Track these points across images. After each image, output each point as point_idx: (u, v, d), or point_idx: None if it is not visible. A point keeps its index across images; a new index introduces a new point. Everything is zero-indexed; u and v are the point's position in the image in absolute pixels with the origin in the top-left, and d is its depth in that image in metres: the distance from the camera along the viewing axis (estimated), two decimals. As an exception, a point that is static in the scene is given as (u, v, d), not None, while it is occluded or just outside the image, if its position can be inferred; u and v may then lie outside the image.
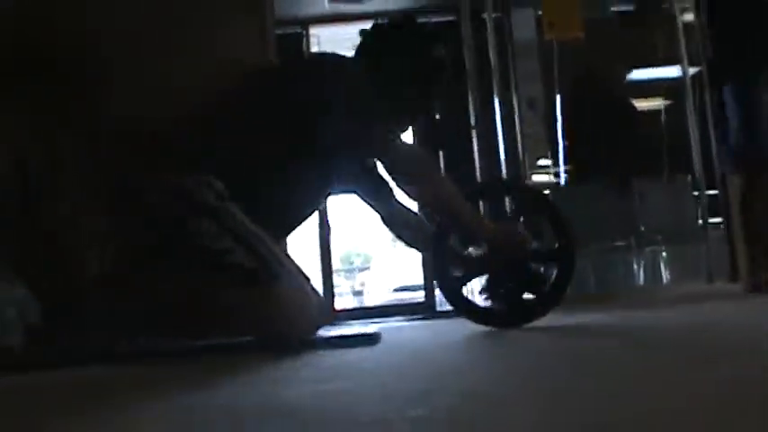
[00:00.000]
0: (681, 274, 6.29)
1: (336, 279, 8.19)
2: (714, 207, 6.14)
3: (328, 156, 2.65)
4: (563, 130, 7.31)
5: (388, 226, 2.96)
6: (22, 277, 2.66)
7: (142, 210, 2.49)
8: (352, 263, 23.29)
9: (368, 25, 2.93)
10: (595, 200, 6.07)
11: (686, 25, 6.33)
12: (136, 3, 3.48)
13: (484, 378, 1.50)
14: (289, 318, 2.45)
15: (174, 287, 2.42)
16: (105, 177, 2.74)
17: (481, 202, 3.57)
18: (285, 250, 2.64)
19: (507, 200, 3.85)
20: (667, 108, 7.68)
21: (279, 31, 3.99)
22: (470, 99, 6.00)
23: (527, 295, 2.87)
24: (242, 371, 1.90)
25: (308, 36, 7.69)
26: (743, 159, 3.98)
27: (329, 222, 7.40)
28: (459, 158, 6.96)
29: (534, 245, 2.94)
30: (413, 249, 3.11)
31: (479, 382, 1.41)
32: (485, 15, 5.98)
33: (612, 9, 6.98)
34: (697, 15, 5.87)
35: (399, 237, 2.99)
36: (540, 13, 6.62)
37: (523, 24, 7.91)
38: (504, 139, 6.01)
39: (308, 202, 2.84)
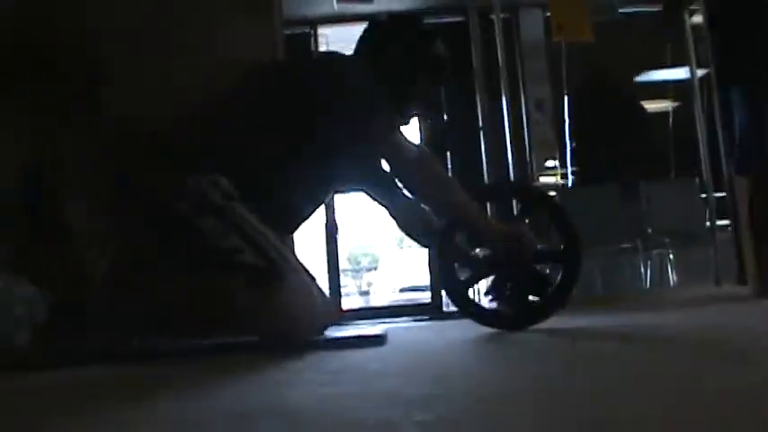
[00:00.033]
0: (688, 276, 6.28)
1: (343, 279, 8.19)
2: (722, 209, 6.12)
3: (329, 154, 2.66)
4: (570, 132, 7.30)
5: (396, 221, 2.95)
6: (31, 275, 2.66)
7: (149, 209, 2.49)
8: (359, 263, 23.29)
9: (374, 25, 2.95)
10: (602, 201, 6.06)
11: (695, 27, 6.30)
12: (142, 3, 3.48)
13: (489, 381, 1.49)
14: (294, 318, 2.45)
15: (180, 287, 2.42)
16: (111, 177, 2.74)
17: (488, 204, 3.59)
18: (292, 249, 2.64)
19: (514, 201, 3.84)
20: (675, 110, 7.67)
21: (287, 32, 3.99)
22: (478, 100, 5.99)
23: (532, 297, 2.87)
24: (246, 372, 1.90)
25: (316, 36, 7.70)
26: (749, 161, 3.97)
27: (337, 222, 7.40)
28: (467, 160, 6.96)
29: (540, 246, 2.95)
30: (421, 245, 3.10)
31: (485, 385, 1.41)
32: (493, 16, 5.97)
33: (621, 11, 6.95)
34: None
35: (408, 233, 2.98)
36: (548, 14, 6.61)
37: (531, 25, 7.91)
38: (511, 140, 5.99)
39: (309, 199, 2.83)
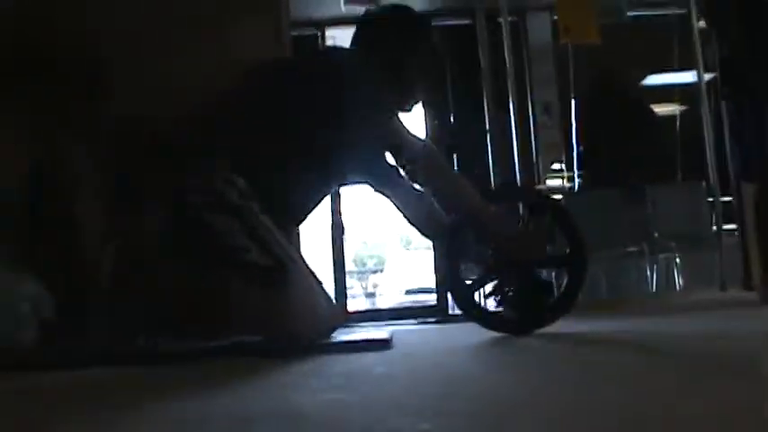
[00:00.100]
0: (694, 280, 6.26)
1: (349, 281, 8.19)
2: (728, 213, 6.11)
3: (332, 146, 2.67)
4: (577, 135, 7.29)
5: (402, 214, 2.94)
6: (36, 273, 2.67)
7: (163, 206, 2.50)
8: (365, 264, 23.26)
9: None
10: (609, 205, 6.05)
11: (702, 31, 6.29)
12: (149, 3, 3.49)
13: (493, 388, 1.49)
14: (297, 318, 2.45)
15: (181, 287, 2.43)
16: (111, 177, 2.74)
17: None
18: (298, 248, 2.64)
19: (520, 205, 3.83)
20: (682, 113, 7.65)
21: (294, 33, 3.99)
22: (485, 103, 5.99)
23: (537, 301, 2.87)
24: (250, 374, 1.90)
25: (323, 37, 7.70)
26: (755, 168, 3.96)
27: (343, 224, 7.40)
28: (474, 162, 6.96)
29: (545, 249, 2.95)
30: (428, 239, 3.09)
31: (489, 393, 1.41)
32: (500, 19, 5.96)
33: (628, 14, 6.94)
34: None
35: (414, 225, 2.97)
36: (555, 17, 6.60)
37: (539, 28, 7.91)
38: (518, 143, 5.99)
39: (313, 192, 2.85)
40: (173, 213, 2.47)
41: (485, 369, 1.98)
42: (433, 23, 3.17)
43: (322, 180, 2.82)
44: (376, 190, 2.83)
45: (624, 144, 6.85)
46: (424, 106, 7.54)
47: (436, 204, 2.89)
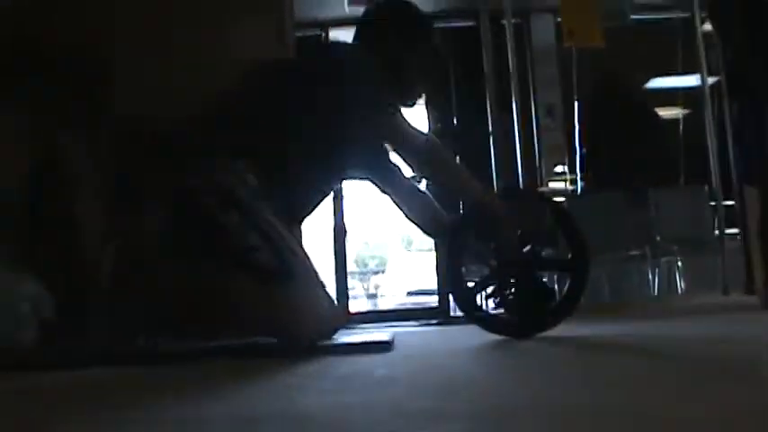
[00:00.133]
0: (696, 284, 6.26)
1: (351, 281, 8.19)
2: (731, 217, 6.11)
3: (333, 141, 2.68)
4: (580, 137, 7.29)
5: (402, 210, 2.94)
6: (36, 273, 2.66)
7: (164, 207, 2.50)
8: (366, 265, 23.26)
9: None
10: (611, 208, 6.05)
11: (706, 34, 6.29)
12: (151, 2, 3.49)
13: (494, 392, 1.49)
14: (299, 319, 2.46)
15: (187, 286, 2.43)
16: (111, 177, 2.74)
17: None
18: (302, 246, 2.64)
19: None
20: (686, 117, 7.65)
21: (298, 34, 4.00)
22: (488, 105, 5.99)
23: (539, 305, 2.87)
24: (250, 376, 1.90)
25: (327, 38, 7.70)
26: (756, 170, 3.96)
27: (345, 225, 7.40)
28: (476, 164, 6.96)
29: (547, 252, 2.95)
30: (429, 236, 3.10)
31: (489, 398, 1.40)
32: (504, 21, 5.97)
33: (632, 17, 6.95)
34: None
35: (414, 222, 2.97)
36: (559, 19, 6.60)
37: (543, 30, 7.91)
38: (521, 145, 5.99)
39: (315, 188, 2.86)
40: (183, 212, 2.48)
41: (486, 372, 1.98)
42: (437, 25, 3.19)
43: (323, 179, 2.83)
44: (374, 185, 2.84)
45: (627, 147, 6.85)
46: (426, 108, 7.55)
47: (437, 204, 2.90)
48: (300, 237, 3.15)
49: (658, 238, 6.01)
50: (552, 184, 7.39)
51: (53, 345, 2.55)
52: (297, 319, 2.45)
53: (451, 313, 6.65)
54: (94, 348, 2.48)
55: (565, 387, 1.50)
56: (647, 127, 7.32)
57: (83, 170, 3.02)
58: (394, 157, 2.87)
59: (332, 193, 3.09)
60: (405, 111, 2.95)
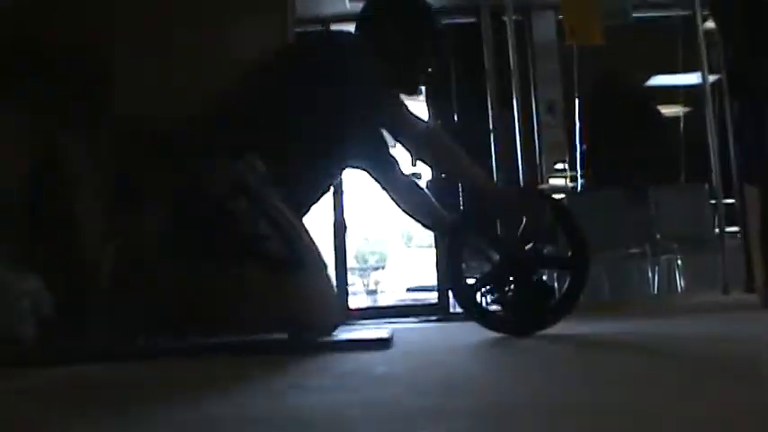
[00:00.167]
0: (696, 283, 6.26)
1: (351, 277, 8.19)
2: (731, 216, 6.11)
3: (335, 139, 2.69)
4: (581, 135, 7.28)
5: (397, 204, 2.96)
6: (36, 273, 2.67)
7: (180, 194, 2.51)
8: (366, 261, 23.24)
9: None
10: (612, 205, 6.05)
11: (707, 32, 6.28)
12: (150, 2, 3.49)
13: (493, 391, 1.49)
14: (313, 309, 2.47)
15: (182, 285, 2.43)
16: (111, 177, 2.75)
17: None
18: (308, 233, 2.66)
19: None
20: (686, 115, 7.65)
21: (299, 30, 3.99)
22: (489, 101, 5.99)
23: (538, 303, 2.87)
24: (249, 375, 1.90)
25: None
26: (756, 169, 3.97)
27: (345, 221, 7.40)
28: (477, 161, 6.95)
29: (547, 250, 2.95)
30: (426, 228, 3.11)
31: (489, 396, 1.41)
32: (505, 17, 5.96)
33: (634, 15, 6.94)
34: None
35: (409, 214, 2.98)
36: (560, 16, 6.60)
37: (544, 27, 7.90)
38: (521, 142, 5.99)
39: (314, 188, 2.87)
40: (189, 201, 2.49)
41: (486, 369, 1.98)
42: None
43: (324, 172, 2.84)
44: (373, 178, 2.85)
45: (628, 145, 6.85)
46: (427, 104, 7.54)
47: (434, 201, 2.91)
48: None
49: (658, 236, 6.01)
50: (552, 181, 7.38)
51: (52, 342, 2.56)
52: (307, 308, 2.47)
53: (451, 310, 6.66)
54: (94, 346, 2.48)
55: (565, 385, 1.50)
56: (648, 125, 7.32)
57: (83, 170, 3.02)
58: (394, 152, 2.88)
59: (332, 189, 3.10)
60: (408, 99, 2.96)
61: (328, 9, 7.48)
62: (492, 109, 6.00)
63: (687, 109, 7.62)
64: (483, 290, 2.90)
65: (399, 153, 2.91)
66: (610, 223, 5.74)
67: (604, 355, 2.20)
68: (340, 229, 7.39)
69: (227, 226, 2.44)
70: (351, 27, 3.05)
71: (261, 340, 2.58)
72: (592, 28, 5.89)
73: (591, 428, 1.02)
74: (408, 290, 15.92)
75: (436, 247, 7.40)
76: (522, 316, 2.84)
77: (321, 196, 2.93)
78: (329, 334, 2.62)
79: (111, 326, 2.51)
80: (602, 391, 1.37)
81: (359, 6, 3.04)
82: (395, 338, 2.73)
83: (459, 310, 3.24)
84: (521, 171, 6.02)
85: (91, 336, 2.54)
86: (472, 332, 2.89)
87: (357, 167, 2.87)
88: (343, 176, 3.14)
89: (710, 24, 6.17)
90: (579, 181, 7.30)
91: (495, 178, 5.91)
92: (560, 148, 7.59)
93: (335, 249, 7.38)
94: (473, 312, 2.89)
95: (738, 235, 5.99)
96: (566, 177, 7.34)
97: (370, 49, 2.83)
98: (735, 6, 3.90)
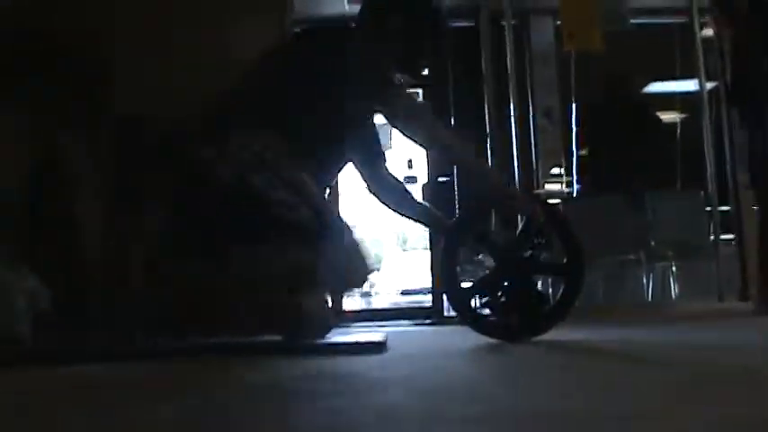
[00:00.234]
0: (691, 289, 6.25)
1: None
2: (726, 223, 6.11)
3: (333, 138, 2.71)
4: (578, 140, 7.28)
5: (374, 194, 2.99)
6: (37, 271, 2.67)
7: (165, 207, 2.52)
8: (362, 263, 23.16)
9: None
10: (607, 211, 6.04)
11: (705, 39, 6.29)
12: (149, 2, 3.49)
13: (491, 395, 1.49)
14: (342, 276, 2.58)
15: (190, 286, 2.44)
16: (111, 177, 2.75)
17: (492, 213, 3.58)
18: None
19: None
20: (683, 122, 7.65)
21: (297, 31, 4.00)
22: (486, 105, 5.99)
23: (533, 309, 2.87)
24: (244, 378, 1.90)
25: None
26: (756, 169, 3.99)
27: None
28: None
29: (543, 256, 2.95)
30: (400, 216, 3.13)
31: (487, 400, 1.41)
32: (504, 22, 5.97)
33: (632, 22, 6.94)
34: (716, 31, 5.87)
35: (386, 204, 3.02)
36: (558, 22, 6.60)
37: (542, 32, 7.89)
38: (518, 147, 6.00)
39: (334, 158, 2.90)
40: (208, 182, 2.51)
41: (481, 375, 1.98)
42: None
43: (337, 151, 2.86)
44: (356, 167, 2.89)
45: (626, 150, 6.84)
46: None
47: (412, 196, 2.95)
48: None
49: (653, 243, 6.01)
50: (548, 186, 7.37)
51: (52, 341, 2.56)
52: (337, 276, 2.54)
53: (445, 313, 6.65)
54: (94, 346, 2.48)
55: (561, 392, 1.51)
56: (645, 131, 7.31)
57: (83, 170, 3.03)
58: (386, 152, 2.92)
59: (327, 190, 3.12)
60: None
61: (327, 9, 7.46)
62: (489, 113, 6.00)
63: (684, 116, 7.62)
64: (478, 295, 2.91)
65: (392, 156, 2.95)
66: (605, 229, 5.73)
67: (599, 363, 2.20)
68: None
69: (253, 199, 2.47)
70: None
71: (257, 342, 2.58)
72: (590, 34, 5.90)
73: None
74: (403, 293, 15.91)
75: (431, 249, 7.39)
76: (516, 321, 2.84)
77: (336, 175, 2.96)
78: (324, 336, 2.63)
79: (111, 326, 2.52)
80: (598, 398, 1.37)
81: (357, 8, 3.04)
82: (389, 342, 2.73)
83: (453, 313, 3.24)
84: (517, 175, 6.02)
85: (91, 336, 2.54)
86: (466, 337, 2.89)
87: (349, 159, 2.91)
88: (338, 177, 3.16)
89: (708, 32, 6.19)
90: (575, 186, 7.30)
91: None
92: (556, 154, 7.59)
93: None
94: (467, 317, 2.89)
95: (733, 242, 5.99)
96: (561, 183, 7.34)
97: (373, 32, 2.84)
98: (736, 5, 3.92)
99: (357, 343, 2.69)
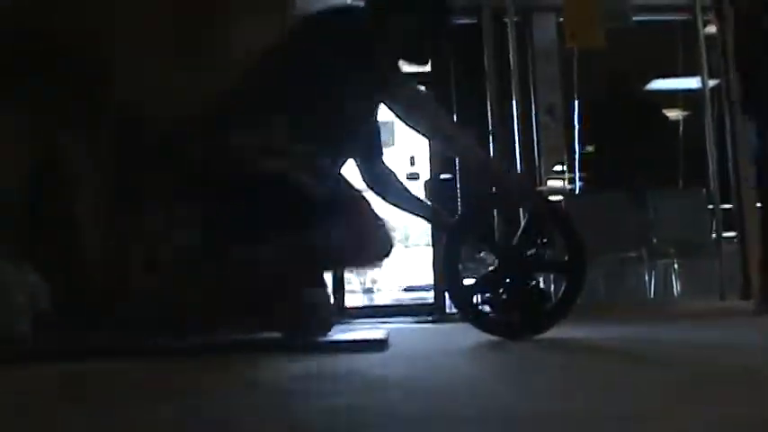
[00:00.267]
0: (692, 287, 6.24)
1: (347, 275, 8.15)
2: (728, 221, 6.10)
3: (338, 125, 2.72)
4: (580, 137, 7.27)
5: (370, 187, 3.01)
6: (37, 270, 2.67)
7: (165, 207, 2.52)
8: (363, 259, 23.13)
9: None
10: (609, 208, 6.03)
11: (708, 37, 6.28)
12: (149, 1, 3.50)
13: (493, 395, 1.49)
14: (367, 245, 2.62)
15: (191, 286, 2.45)
16: (123, 176, 2.75)
17: (495, 210, 3.58)
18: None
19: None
20: (685, 119, 7.63)
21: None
22: (489, 102, 5.99)
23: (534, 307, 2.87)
24: (244, 377, 1.90)
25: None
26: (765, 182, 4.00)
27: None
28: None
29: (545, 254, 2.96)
30: (398, 209, 3.14)
31: (488, 400, 1.41)
32: (506, 19, 5.96)
33: (635, 19, 6.93)
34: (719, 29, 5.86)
35: (382, 197, 3.03)
36: (561, 19, 6.59)
37: (544, 29, 7.88)
38: (520, 143, 5.99)
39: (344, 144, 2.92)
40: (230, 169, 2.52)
41: (482, 374, 1.98)
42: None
43: (347, 138, 2.88)
44: (356, 164, 2.90)
45: (629, 147, 6.83)
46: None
47: (410, 190, 3.00)
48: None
49: (655, 241, 6.00)
50: (551, 183, 7.37)
51: (51, 340, 2.56)
52: (359, 250, 2.59)
53: (447, 310, 6.65)
54: (94, 345, 2.49)
55: (562, 391, 1.51)
56: (649, 128, 7.29)
57: (83, 170, 3.03)
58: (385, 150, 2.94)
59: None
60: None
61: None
62: (491, 110, 5.99)
63: (686, 113, 7.61)
64: (480, 292, 2.91)
65: (394, 153, 2.96)
66: (607, 226, 5.72)
67: (600, 361, 2.20)
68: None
69: (273, 183, 2.48)
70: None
71: (258, 339, 2.59)
72: (592, 31, 5.89)
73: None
74: (405, 289, 15.90)
75: (433, 246, 7.39)
76: (518, 319, 2.84)
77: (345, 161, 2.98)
78: (325, 333, 2.63)
79: (111, 325, 2.52)
80: (598, 398, 1.37)
81: (360, 4, 3.03)
82: (390, 339, 2.73)
83: (455, 310, 3.24)
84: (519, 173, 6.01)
85: (91, 336, 2.55)
86: (468, 334, 2.89)
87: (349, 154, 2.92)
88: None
89: (711, 29, 6.18)
90: (577, 183, 7.29)
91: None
92: (559, 151, 7.58)
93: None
94: (469, 314, 2.89)
95: (735, 240, 5.98)
96: (564, 179, 7.33)
97: (378, 18, 2.83)
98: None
99: (358, 341, 2.69)
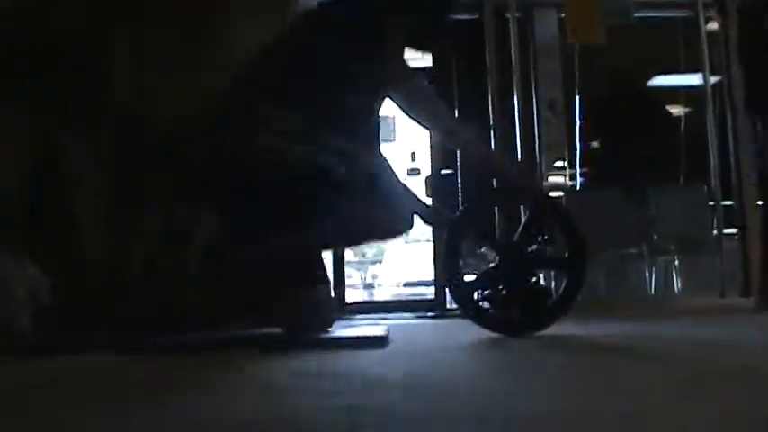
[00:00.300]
0: (693, 284, 6.24)
1: (348, 270, 8.16)
2: (729, 218, 6.09)
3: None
4: (581, 133, 7.27)
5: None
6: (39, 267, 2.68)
7: (165, 207, 2.52)
8: (364, 255, 23.16)
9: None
10: (610, 205, 6.03)
11: (709, 33, 6.27)
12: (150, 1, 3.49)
13: (493, 394, 1.49)
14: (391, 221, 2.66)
15: (191, 285, 2.45)
16: (123, 176, 2.75)
17: (495, 207, 3.57)
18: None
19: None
20: (687, 116, 7.63)
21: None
22: (490, 98, 5.98)
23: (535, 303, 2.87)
24: (244, 374, 1.90)
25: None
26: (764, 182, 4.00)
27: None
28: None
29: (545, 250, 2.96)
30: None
31: (489, 399, 1.41)
32: (508, 15, 5.95)
33: (636, 15, 6.92)
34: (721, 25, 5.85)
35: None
36: (563, 14, 6.59)
37: (546, 25, 7.87)
38: (521, 139, 5.99)
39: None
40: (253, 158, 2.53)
41: (483, 373, 1.98)
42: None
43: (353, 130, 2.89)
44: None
45: (630, 144, 6.82)
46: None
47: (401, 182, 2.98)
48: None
49: (656, 237, 6.00)
50: (552, 179, 7.36)
51: (51, 339, 2.56)
52: (381, 223, 2.63)
53: (448, 306, 6.64)
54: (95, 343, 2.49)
55: (563, 391, 1.51)
56: (650, 124, 7.29)
57: (83, 170, 3.03)
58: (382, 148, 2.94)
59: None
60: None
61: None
62: (493, 106, 5.99)
63: (687, 109, 7.60)
64: (480, 288, 2.91)
65: (395, 148, 2.96)
66: (608, 223, 5.72)
67: (600, 358, 2.20)
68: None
69: (290, 167, 2.49)
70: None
71: (259, 336, 2.59)
72: (594, 27, 5.89)
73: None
74: (405, 284, 15.90)
75: (434, 242, 7.38)
76: (518, 316, 2.84)
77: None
78: (326, 329, 2.63)
79: (111, 325, 2.53)
80: (599, 395, 1.37)
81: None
82: (391, 336, 2.73)
83: (455, 306, 3.24)
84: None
85: (91, 335, 2.55)
86: (468, 330, 2.89)
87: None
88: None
89: (713, 25, 6.18)
90: (578, 179, 7.29)
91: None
92: (560, 147, 7.57)
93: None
94: (469, 310, 2.89)
95: (736, 237, 5.98)
96: (565, 175, 7.32)
97: (379, 11, 2.83)
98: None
99: (358, 337, 2.69)
